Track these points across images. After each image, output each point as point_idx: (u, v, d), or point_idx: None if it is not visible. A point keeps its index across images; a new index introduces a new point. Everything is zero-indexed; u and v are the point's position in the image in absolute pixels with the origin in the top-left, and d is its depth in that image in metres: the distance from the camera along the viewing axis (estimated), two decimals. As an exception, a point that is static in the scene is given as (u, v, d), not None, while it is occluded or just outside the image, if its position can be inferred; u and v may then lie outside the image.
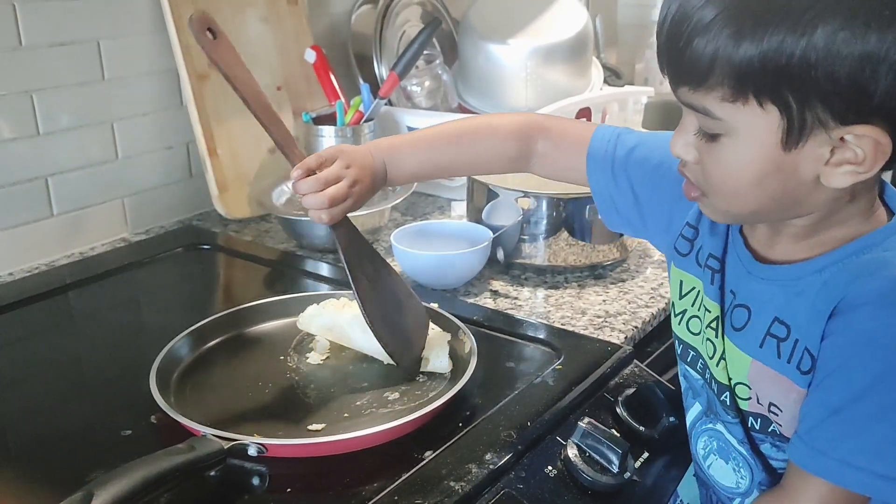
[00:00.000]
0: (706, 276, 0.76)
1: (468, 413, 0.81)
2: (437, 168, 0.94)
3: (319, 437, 0.74)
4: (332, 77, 1.47)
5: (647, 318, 1.05)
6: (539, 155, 0.91)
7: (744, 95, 0.60)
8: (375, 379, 0.87)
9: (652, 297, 1.10)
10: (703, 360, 0.78)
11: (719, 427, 0.77)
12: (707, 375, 0.77)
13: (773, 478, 0.74)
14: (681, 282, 0.81)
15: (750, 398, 0.72)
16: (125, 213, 1.36)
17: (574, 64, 1.58)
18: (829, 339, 0.64)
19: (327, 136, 1.40)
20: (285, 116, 1.47)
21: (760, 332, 0.70)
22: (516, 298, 1.10)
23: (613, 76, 1.83)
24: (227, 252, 1.28)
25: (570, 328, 1.01)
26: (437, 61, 1.58)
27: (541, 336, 0.97)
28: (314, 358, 0.91)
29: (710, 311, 0.75)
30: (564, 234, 1.16)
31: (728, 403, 0.74)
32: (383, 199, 1.29)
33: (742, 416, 0.74)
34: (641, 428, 0.82)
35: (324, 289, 1.14)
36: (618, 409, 0.85)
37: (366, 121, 1.43)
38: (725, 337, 0.74)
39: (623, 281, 1.16)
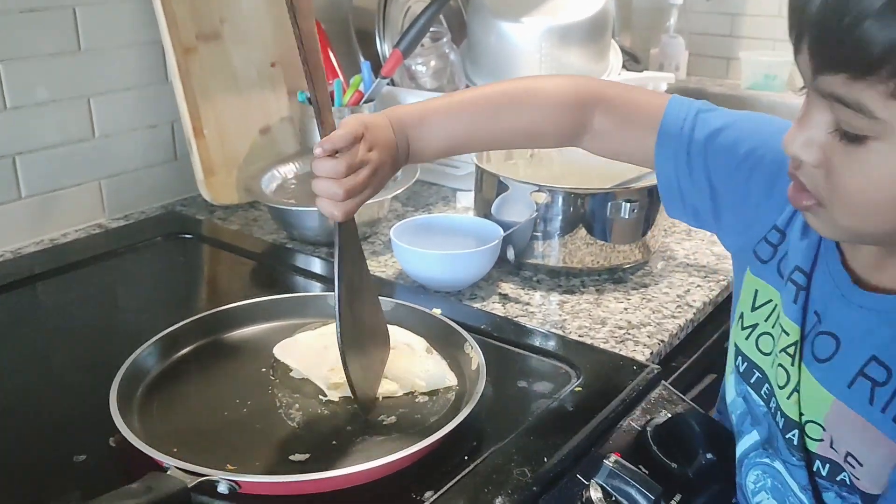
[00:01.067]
0: (789, 291, 0.65)
1: (475, 443, 0.71)
2: (472, 142, 0.79)
3: (302, 475, 0.63)
4: (332, 54, 1.36)
5: (674, 331, 0.94)
6: (596, 130, 0.77)
7: None
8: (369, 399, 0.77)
9: (679, 307, 1.00)
10: (771, 386, 0.67)
11: (777, 465, 0.67)
12: (773, 405, 0.67)
13: None
14: (756, 291, 0.70)
15: (822, 440, 0.62)
16: (102, 196, 1.24)
17: (592, 46, 1.47)
18: None
19: (324, 118, 1.28)
20: (279, 95, 1.36)
21: (851, 369, 0.59)
22: (528, 304, 1.00)
23: (632, 60, 1.71)
24: (211, 243, 1.17)
25: (589, 341, 0.91)
26: (444, 39, 1.47)
27: (557, 350, 0.86)
28: (299, 371, 0.80)
29: (787, 333, 0.64)
30: (581, 231, 1.05)
31: (795, 443, 0.63)
32: (384, 190, 1.18)
33: (808, 457, 0.63)
34: (674, 465, 0.72)
35: (315, 288, 1.03)
36: (645, 441, 0.74)
37: (366, 101, 1.32)
38: (803, 366, 0.63)
39: (646, 286, 1.05)
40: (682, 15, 2.34)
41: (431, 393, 0.77)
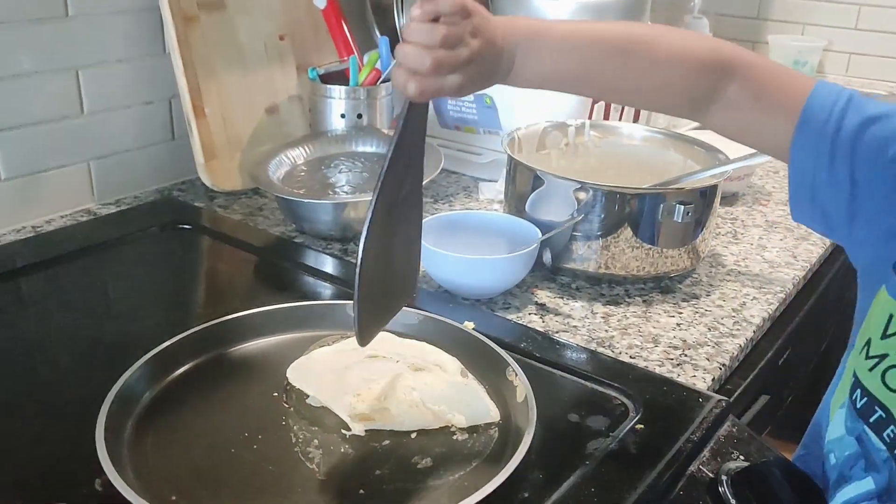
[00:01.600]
0: None
1: (526, 495, 0.60)
2: (583, 83, 0.69)
3: (326, 538, 0.53)
4: (346, 27, 1.23)
5: (735, 353, 0.84)
6: (729, 100, 0.66)
7: None
8: (400, 434, 0.66)
9: (736, 323, 0.89)
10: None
11: None
12: (860, 399, 0.57)
13: None
14: (891, 316, 0.59)
15: None
16: (91, 179, 1.12)
17: (628, 26, 1.35)
18: None
19: (337, 98, 1.17)
20: (288, 71, 1.24)
21: None
22: (569, 316, 0.89)
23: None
24: (211, 235, 1.05)
25: (643, 363, 0.80)
26: (469, 14, 1.35)
27: (610, 376, 0.75)
28: (317, 399, 0.69)
29: None
30: (626, 234, 0.94)
31: None
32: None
33: None
34: (757, 524, 0.62)
35: (327, 291, 0.92)
36: (722, 491, 0.64)
37: (383, 81, 1.20)
38: None
39: (696, 297, 0.95)
40: (708, -5, 2.22)
41: (471, 428, 0.67)
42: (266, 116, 1.21)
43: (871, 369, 0.60)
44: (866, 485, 0.60)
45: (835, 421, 0.63)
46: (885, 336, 0.59)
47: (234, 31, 1.17)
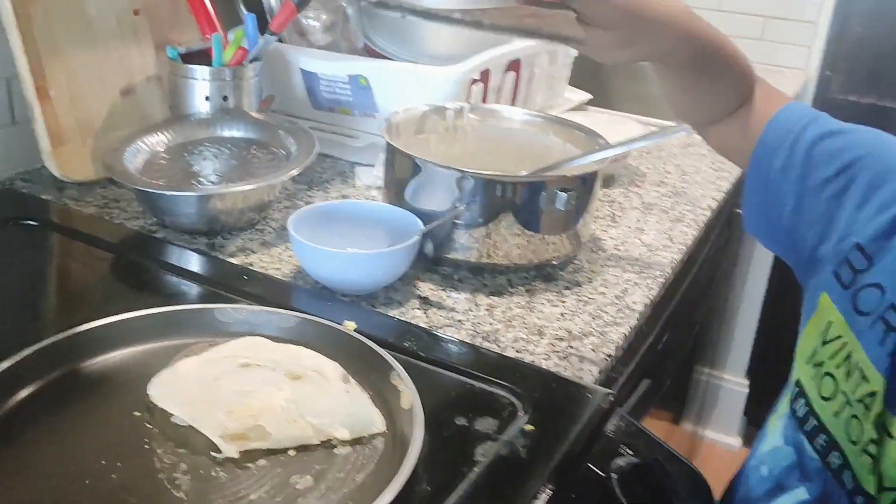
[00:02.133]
0: (875, 331, 0.55)
1: (414, 510, 0.57)
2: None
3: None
4: (208, 2, 1.15)
5: (620, 342, 0.84)
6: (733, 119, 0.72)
7: None
8: (277, 452, 0.61)
9: (619, 310, 0.89)
10: (831, 438, 0.57)
11: None
12: (834, 461, 0.57)
13: None
14: (829, 323, 0.60)
15: None
16: (-83, 169, 1.00)
17: (505, 5, 1.32)
18: None
19: (199, 79, 1.08)
20: (144, 50, 1.15)
21: None
22: (453, 310, 0.86)
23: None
24: (62, 231, 0.96)
25: (530, 357, 0.78)
26: (341, -10, 1.28)
27: (497, 374, 0.72)
28: (183, 419, 0.63)
29: (866, 381, 0.54)
30: (508, 221, 0.92)
31: None
32: (277, 167, 1.00)
33: None
34: (649, 523, 0.61)
35: (194, 291, 0.85)
36: (610, 486, 0.63)
37: (251, 60, 1.13)
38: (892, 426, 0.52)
39: (579, 285, 0.94)
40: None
41: (355, 440, 0.63)
42: (121, 99, 1.11)
43: (812, 377, 0.60)
44: (799, 495, 0.60)
45: (771, 432, 0.63)
46: (825, 343, 0.59)
47: (82, 4, 1.06)
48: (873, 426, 0.54)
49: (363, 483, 0.58)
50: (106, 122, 1.09)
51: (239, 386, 0.65)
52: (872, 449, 0.55)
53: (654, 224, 1.13)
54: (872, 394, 0.54)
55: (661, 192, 1.25)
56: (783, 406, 0.64)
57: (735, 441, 2.34)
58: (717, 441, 2.35)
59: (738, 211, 0.74)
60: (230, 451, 0.60)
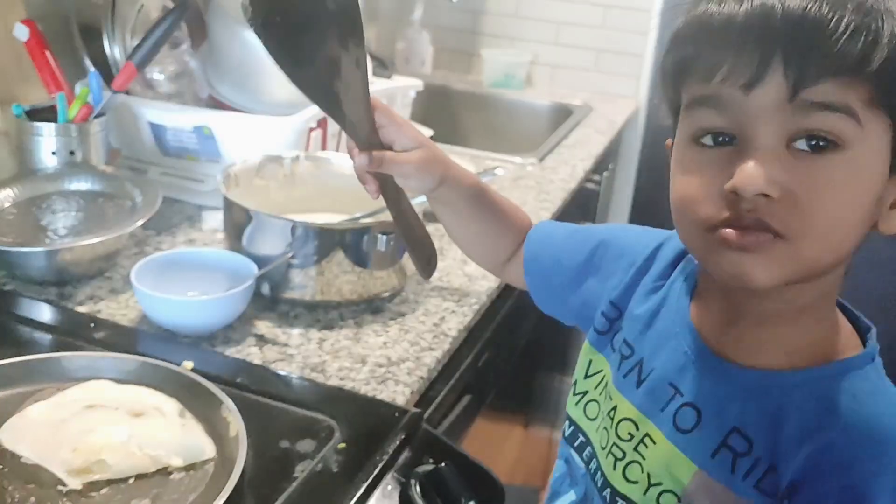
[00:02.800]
0: (614, 360, 0.72)
1: (238, 523, 0.67)
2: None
3: None
4: (52, 60, 1.21)
5: (433, 365, 0.97)
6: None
7: (887, 99, 0.53)
8: (118, 481, 0.70)
9: (435, 337, 1.02)
10: (593, 449, 0.72)
11: None
12: (593, 466, 0.71)
13: None
14: (590, 361, 0.75)
15: None
16: None
17: (341, 56, 1.44)
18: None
19: (46, 136, 1.15)
20: (-11, 107, 1.20)
21: (714, 440, 0.62)
22: (286, 345, 0.97)
23: (379, 66, 1.71)
24: (-89, 287, 1.01)
25: (350, 384, 0.90)
26: (184, 46, 1.37)
27: (317, 401, 0.84)
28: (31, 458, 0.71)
29: (611, 399, 0.70)
30: (338, 258, 1.03)
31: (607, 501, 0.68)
32: (123, 218, 1.08)
33: None
34: (438, 517, 0.74)
35: (45, 341, 0.92)
36: (411, 493, 0.75)
37: (96, 116, 1.20)
38: (665, 438, 0.66)
39: (403, 315, 1.06)
40: (428, 9, 2.38)
41: (188, 466, 0.73)
42: (-33, 148, 1.17)
43: (576, 404, 0.75)
44: (570, 497, 0.75)
45: (561, 451, 0.79)
46: (586, 377, 0.75)
47: (-76, 66, 1.11)
48: (615, 434, 0.70)
49: (193, 501, 0.69)
50: (-48, 176, 1.14)
51: (84, 425, 0.74)
52: (616, 452, 0.70)
53: (476, 254, 1.27)
54: (615, 408, 0.70)
55: (487, 223, 1.40)
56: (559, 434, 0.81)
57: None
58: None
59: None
60: (74, 483, 0.69)
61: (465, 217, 0.82)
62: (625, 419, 0.69)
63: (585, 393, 0.76)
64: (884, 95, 0.53)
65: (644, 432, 0.68)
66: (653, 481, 0.67)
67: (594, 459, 0.72)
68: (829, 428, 0.59)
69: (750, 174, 0.53)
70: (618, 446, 0.70)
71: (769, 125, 0.54)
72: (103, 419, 0.75)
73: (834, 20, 0.51)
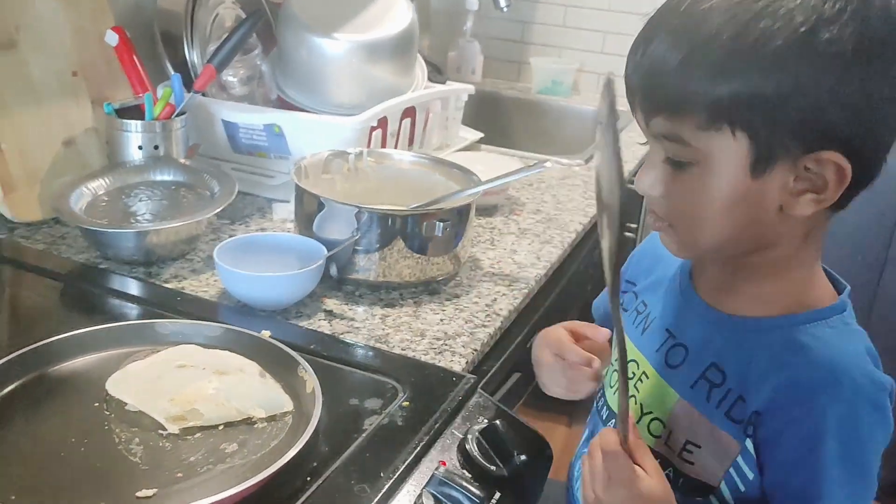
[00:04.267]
0: (628, 318, 0.84)
1: (315, 464, 0.76)
2: None
3: (152, 511, 0.66)
4: (138, 64, 1.32)
5: (486, 339, 1.04)
6: None
7: (717, 124, 0.65)
8: (209, 427, 0.79)
9: (488, 316, 1.10)
10: (604, 390, 0.85)
11: None
12: (601, 404, 0.84)
13: None
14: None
15: (660, 437, 0.76)
16: None
17: (399, 61, 1.54)
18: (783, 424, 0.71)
19: (134, 132, 1.26)
20: (83, 105, 1.31)
21: (695, 373, 0.75)
22: (352, 319, 1.05)
23: (435, 71, 1.80)
24: (16, 265, 1.12)
25: (412, 353, 0.98)
26: (256, 51, 1.48)
27: (383, 366, 0.93)
28: (135, 406, 0.81)
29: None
30: (399, 246, 1.12)
31: None
32: (203, 206, 1.19)
33: None
34: (493, 468, 0.81)
35: (133, 312, 1.03)
36: (467, 447, 0.83)
37: (178, 115, 1.31)
38: (655, 371, 0.79)
39: (458, 297, 1.14)
40: (478, 20, 2.47)
41: (270, 417, 0.81)
42: (63, 149, 1.28)
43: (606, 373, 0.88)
44: (583, 436, 0.91)
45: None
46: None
47: (27, 68, 1.23)
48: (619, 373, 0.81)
49: (275, 447, 0.77)
50: (50, 171, 1.25)
51: (178, 382, 0.84)
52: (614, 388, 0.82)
53: (526, 246, 1.35)
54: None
55: (536, 218, 1.48)
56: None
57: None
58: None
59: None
60: (173, 428, 0.78)
61: None
62: (630, 360, 0.82)
63: (613, 355, 0.86)
64: (720, 120, 0.65)
65: (642, 370, 0.82)
66: (645, 411, 0.80)
67: (603, 398, 0.85)
68: (790, 365, 0.71)
69: (639, 178, 0.73)
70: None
71: (651, 140, 0.72)
72: (193, 376, 0.85)
73: (663, 71, 0.66)
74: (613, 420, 0.82)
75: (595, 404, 0.88)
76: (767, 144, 0.65)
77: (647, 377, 0.80)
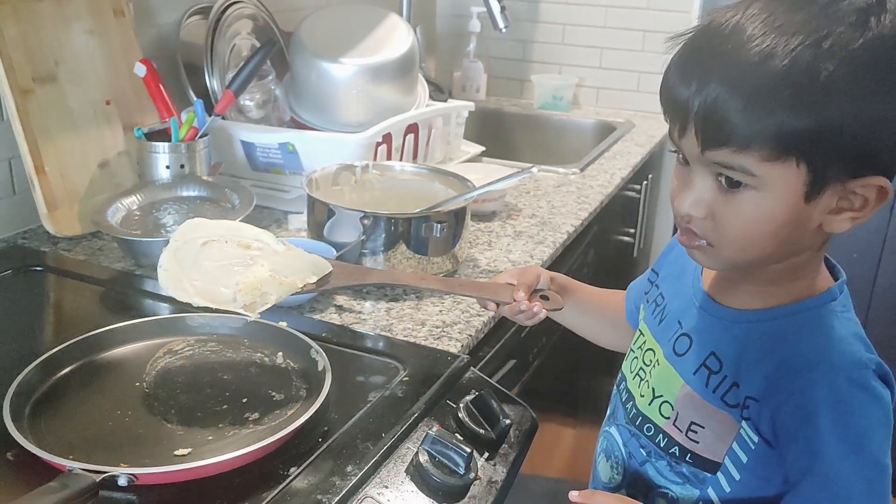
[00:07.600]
0: (649, 309, 0.94)
1: (326, 429, 0.88)
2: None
3: (187, 463, 0.78)
4: (164, 92, 1.46)
5: (480, 327, 1.16)
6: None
7: (784, 157, 0.68)
8: (234, 400, 0.92)
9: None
10: (624, 374, 0.95)
11: (613, 431, 0.94)
12: (622, 387, 0.94)
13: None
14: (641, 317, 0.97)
15: (669, 418, 0.85)
16: (-58, 233, 1.29)
17: (402, 81, 1.67)
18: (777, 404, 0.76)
19: (162, 153, 1.40)
20: (115, 131, 1.46)
21: (697, 361, 0.83)
22: (360, 312, 1.18)
23: (437, 90, 1.93)
24: (62, 273, 1.26)
25: (412, 339, 1.10)
26: (270, 77, 1.62)
27: (386, 350, 1.05)
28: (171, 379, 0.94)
29: (643, 336, 0.93)
30: (402, 248, 1.25)
31: (628, 409, 0.91)
32: (224, 217, 1.32)
33: (642, 427, 0.89)
34: (482, 431, 0.92)
35: (166, 310, 1.15)
36: (459, 415, 0.94)
37: (200, 136, 1.44)
38: (665, 360, 0.88)
39: (456, 291, 1.26)
40: (481, 41, 2.61)
41: (287, 393, 0.93)
42: (99, 170, 1.42)
43: (626, 359, 0.97)
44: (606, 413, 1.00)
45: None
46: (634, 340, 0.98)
47: (66, 99, 1.38)
48: (642, 360, 0.91)
49: (291, 414, 0.89)
50: (88, 190, 1.39)
51: (217, 262, 0.95)
52: (641, 374, 0.91)
53: (520, 246, 1.47)
54: (645, 341, 0.92)
55: (532, 222, 1.60)
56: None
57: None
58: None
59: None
60: (252, 316, 0.92)
61: (579, 326, 1.11)
62: (649, 349, 0.92)
63: (633, 351, 0.96)
64: (782, 153, 0.69)
65: (657, 358, 0.90)
66: (656, 394, 0.88)
67: (624, 381, 0.94)
68: (779, 353, 0.78)
69: (679, 200, 0.75)
70: (643, 369, 0.91)
71: (697, 164, 0.73)
72: (227, 254, 0.96)
73: (730, 108, 0.68)
74: (632, 402, 0.91)
75: (616, 387, 0.97)
76: (823, 172, 0.69)
77: (659, 364, 0.88)
